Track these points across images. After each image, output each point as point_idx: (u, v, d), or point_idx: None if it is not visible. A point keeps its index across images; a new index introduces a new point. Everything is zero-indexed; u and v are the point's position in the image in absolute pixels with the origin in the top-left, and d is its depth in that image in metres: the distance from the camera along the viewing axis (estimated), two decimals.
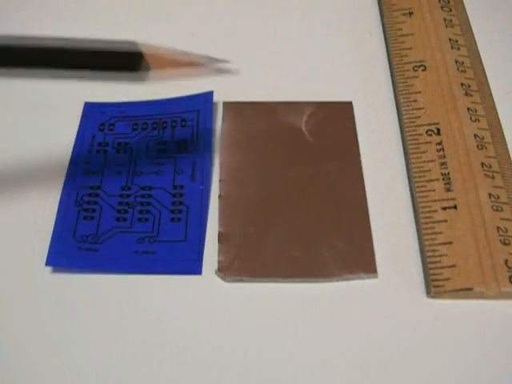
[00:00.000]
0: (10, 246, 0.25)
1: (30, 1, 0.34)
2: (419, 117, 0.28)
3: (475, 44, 0.31)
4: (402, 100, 0.29)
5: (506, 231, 0.24)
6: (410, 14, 0.32)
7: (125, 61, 0.22)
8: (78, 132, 0.28)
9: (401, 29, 0.32)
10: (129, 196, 0.26)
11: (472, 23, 0.32)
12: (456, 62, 0.30)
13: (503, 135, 0.28)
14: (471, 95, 0.29)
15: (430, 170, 0.26)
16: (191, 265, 0.24)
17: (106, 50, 0.22)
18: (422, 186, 0.26)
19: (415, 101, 0.29)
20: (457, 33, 0.31)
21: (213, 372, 0.22)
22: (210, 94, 0.29)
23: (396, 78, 0.30)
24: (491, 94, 0.29)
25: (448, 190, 0.26)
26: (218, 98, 0.29)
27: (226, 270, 0.24)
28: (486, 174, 0.26)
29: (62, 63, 0.22)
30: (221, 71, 0.23)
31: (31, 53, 0.22)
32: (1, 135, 0.29)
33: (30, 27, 0.33)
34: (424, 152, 0.27)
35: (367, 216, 0.26)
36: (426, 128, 0.28)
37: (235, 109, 0.29)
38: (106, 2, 0.34)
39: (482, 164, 0.26)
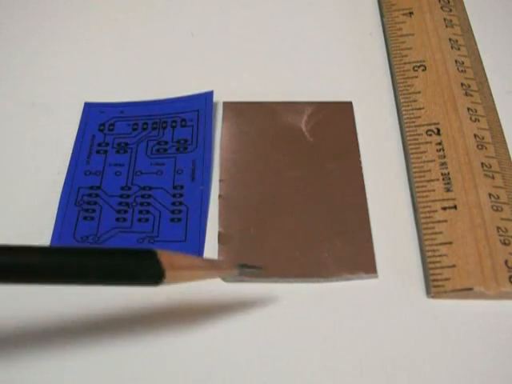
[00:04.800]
0: None
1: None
2: (419, 117, 0.28)
3: (475, 44, 0.31)
4: (402, 100, 0.29)
5: (506, 231, 0.24)
6: (410, 14, 0.32)
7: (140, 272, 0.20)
8: (78, 132, 0.28)
9: (401, 29, 0.32)
10: (129, 196, 0.26)
11: (472, 23, 0.32)
12: (456, 61, 0.30)
13: (503, 135, 0.28)
14: (471, 95, 0.29)
15: (429, 170, 0.26)
16: None
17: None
18: (422, 186, 0.26)
19: (415, 101, 0.29)
20: (457, 33, 0.31)
21: (212, 372, 0.22)
22: (210, 94, 0.29)
23: (396, 77, 0.30)
24: (491, 94, 0.29)
25: (448, 190, 0.26)
26: (218, 98, 0.29)
27: None
28: (485, 174, 0.26)
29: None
30: (245, 274, 0.23)
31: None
32: (1, 135, 0.29)
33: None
34: (424, 152, 0.27)
35: (367, 216, 0.26)
36: (426, 128, 0.28)
37: (235, 109, 0.29)
38: (106, 3, 0.34)
39: (482, 164, 0.26)
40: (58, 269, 0.18)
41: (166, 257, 0.19)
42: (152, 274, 0.19)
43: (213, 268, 0.22)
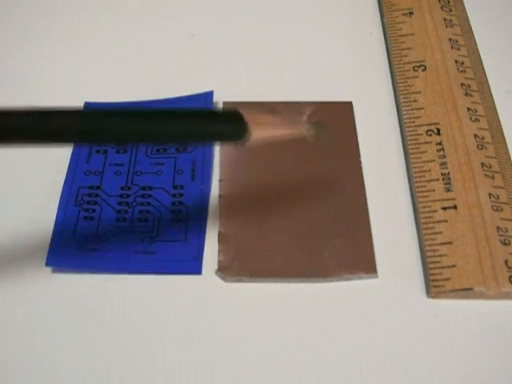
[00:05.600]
0: (10, 246, 0.25)
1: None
2: (419, 117, 0.28)
3: (475, 44, 0.31)
4: (402, 100, 0.29)
5: (506, 231, 0.24)
6: (410, 13, 0.32)
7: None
8: None
9: (401, 29, 0.32)
10: (129, 196, 0.26)
11: (472, 23, 0.32)
12: (456, 61, 0.30)
13: (503, 135, 0.28)
14: (471, 95, 0.29)
15: (429, 170, 0.26)
16: (191, 265, 0.24)
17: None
18: (422, 186, 0.26)
19: (415, 101, 0.29)
20: (457, 33, 0.31)
21: (213, 372, 0.22)
22: (209, 94, 0.29)
23: (396, 77, 0.30)
24: (491, 94, 0.29)
25: (448, 190, 0.26)
26: (218, 98, 0.29)
27: (226, 270, 0.24)
28: (486, 174, 0.26)
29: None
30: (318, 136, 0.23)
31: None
32: None
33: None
34: (424, 152, 0.27)
35: (367, 216, 0.26)
36: (426, 128, 0.28)
37: None
38: (106, 3, 0.34)
39: (482, 164, 0.26)
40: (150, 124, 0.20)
41: (247, 113, 0.20)
42: (236, 130, 0.20)
43: (291, 123, 0.22)
